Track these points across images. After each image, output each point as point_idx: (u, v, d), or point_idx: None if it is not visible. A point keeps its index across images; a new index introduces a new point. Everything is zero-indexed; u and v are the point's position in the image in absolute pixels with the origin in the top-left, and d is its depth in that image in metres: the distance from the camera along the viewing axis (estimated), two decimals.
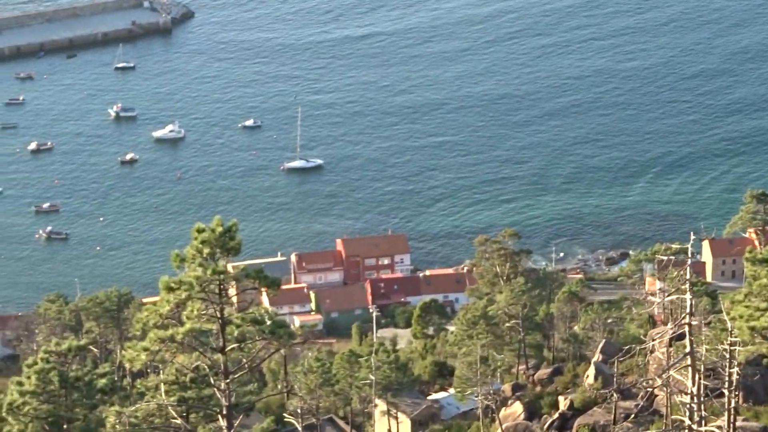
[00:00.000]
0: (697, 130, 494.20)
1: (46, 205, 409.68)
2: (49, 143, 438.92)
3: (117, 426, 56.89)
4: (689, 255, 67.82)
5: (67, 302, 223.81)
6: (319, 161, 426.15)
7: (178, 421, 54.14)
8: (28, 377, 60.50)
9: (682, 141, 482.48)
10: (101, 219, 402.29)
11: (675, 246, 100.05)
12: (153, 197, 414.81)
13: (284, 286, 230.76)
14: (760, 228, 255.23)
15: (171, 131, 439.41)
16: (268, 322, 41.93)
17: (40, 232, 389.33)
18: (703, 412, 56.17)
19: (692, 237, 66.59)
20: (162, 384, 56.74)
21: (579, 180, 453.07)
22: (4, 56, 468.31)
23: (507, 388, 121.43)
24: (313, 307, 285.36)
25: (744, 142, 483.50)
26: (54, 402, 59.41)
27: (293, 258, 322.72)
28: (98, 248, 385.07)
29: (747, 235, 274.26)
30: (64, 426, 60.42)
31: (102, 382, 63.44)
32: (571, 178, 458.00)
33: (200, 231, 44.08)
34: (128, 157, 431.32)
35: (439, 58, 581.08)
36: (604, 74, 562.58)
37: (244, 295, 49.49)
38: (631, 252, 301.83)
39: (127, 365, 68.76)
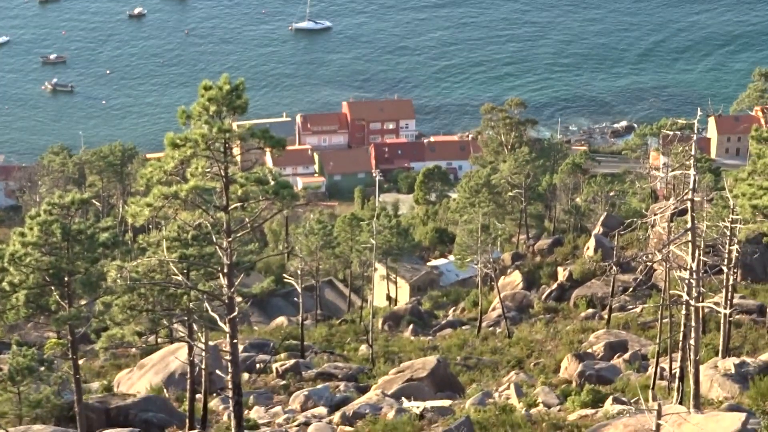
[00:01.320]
0: (714, 14, 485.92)
1: (52, 56, 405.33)
2: None
3: (118, 280, 57.09)
4: (694, 131, 67.56)
5: (71, 155, 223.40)
6: (328, 23, 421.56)
7: (179, 277, 54.48)
8: (31, 228, 60.62)
9: (698, 24, 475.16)
10: (108, 72, 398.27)
11: (681, 121, 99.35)
12: (161, 53, 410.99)
13: (288, 147, 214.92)
14: (767, 106, 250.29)
15: None
16: (272, 183, 41.88)
17: (46, 83, 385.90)
18: (702, 288, 56.30)
19: (698, 113, 66.13)
20: (164, 240, 56.85)
21: (590, 58, 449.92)
22: None
23: (507, 257, 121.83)
24: (317, 169, 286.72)
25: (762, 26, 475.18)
26: (56, 254, 59.57)
27: (298, 119, 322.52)
28: (104, 102, 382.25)
29: (753, 113, 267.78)
30: (65, 278, 60.64)
31: (104, 236, 63.66)
32: (582, 57, 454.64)
33: (207, 88, 43.94)
34: (136, 11, 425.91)
35: None
36: None
37: (248, 155, 49.47)
38: (636, 126, 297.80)
39: (130, 220, 68.79)
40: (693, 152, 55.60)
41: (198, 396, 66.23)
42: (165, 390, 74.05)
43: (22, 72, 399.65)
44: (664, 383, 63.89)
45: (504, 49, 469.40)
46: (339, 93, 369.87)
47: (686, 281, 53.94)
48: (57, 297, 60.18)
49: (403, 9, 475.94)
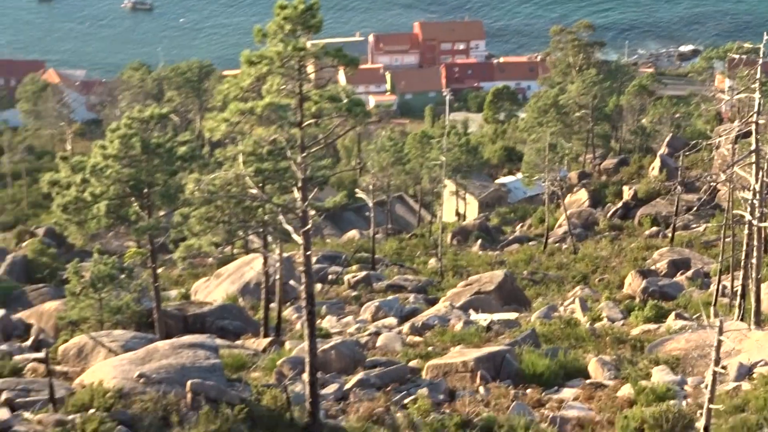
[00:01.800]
0: None
1: None
2: None
3: (196, 192, 57.20)
4: (761, 55, 66.88)
5: (149, 71, 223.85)
6: None
7: (255, 190, 54.44)
8: (111, 141, 60.93)
9: None
10: None
11: (746, 45, 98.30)
12: None
13: (361, 66, 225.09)
14: None
15: None
16: (345, 100, 41.86)
17: (126, 1, 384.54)
18: (765, 209, 55.97)
19: (765, 37, 65.56)
20: (240, 155, 56.68)
21: None
22: None
23: (573, 175, 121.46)
24: (389, 88, 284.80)
25: None
26: (135, 166, 59.86)
27: (371, 39, 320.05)
28: (181, 20, 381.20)
29: None
30: (145, 190, 60.96)
31: (182, 149, 63.86)
32: None
33: (283, 7, 43.97)
34: None
35: None
36: None
37: (322, 73, 49.34)
38: (702, 49, 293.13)
39: (207, 135, 68.84)
40: (758, 76, 55.22)
41: (272, 305, 66.66)
42: (240, 299, 74.59)
43: None
44: (726, 301, 63.72)
45: None
46: (410, 14, 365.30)
47: (749, 201, 53.67)
48: (137, 208, 60.68)
49: None
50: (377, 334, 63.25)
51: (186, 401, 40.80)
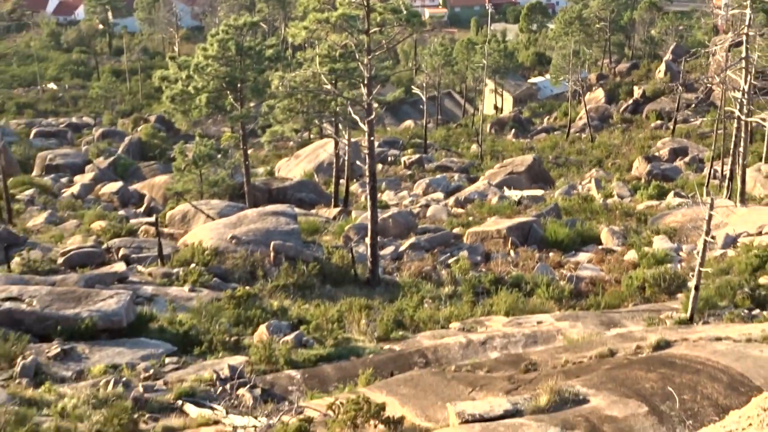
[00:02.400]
0: None
1: None
2: None
3: (280, 87, 58.13)
4: None
5: None
6: None
7: (329, 86, 55.01)
8: (211, 44, 61.55)
9: None
10: None
11: None
12: None
13: None
14: None
15: None
16: (404, 12, 42.02)
17: None
18: (751, 106, 55.92)
19: None
20: (317, 56, 57.58)
21: None
22: None
23: (592, 77, 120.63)
24: (440, 2, 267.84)
25: None
26: (231, 65, 60.61)
27: None
28: None
29: None
30: (238, 85, 61.81)
31: (269, 51, 64.70)
32: None
33: None
34: None
35: None
36: None
37: None
38: None
39: (290, 40, 69.59)
40: None
41: (341, 181, 67.07)
42: (315, 175, 74.79)
43: None
44: (716, 182, 63.53)
45: None
46: None
47: (738, 100, 53.63)
48: (231, 100, 61.55)
49: None
50: (427, 206, 63.80)
51: (269, 259, 41.36)
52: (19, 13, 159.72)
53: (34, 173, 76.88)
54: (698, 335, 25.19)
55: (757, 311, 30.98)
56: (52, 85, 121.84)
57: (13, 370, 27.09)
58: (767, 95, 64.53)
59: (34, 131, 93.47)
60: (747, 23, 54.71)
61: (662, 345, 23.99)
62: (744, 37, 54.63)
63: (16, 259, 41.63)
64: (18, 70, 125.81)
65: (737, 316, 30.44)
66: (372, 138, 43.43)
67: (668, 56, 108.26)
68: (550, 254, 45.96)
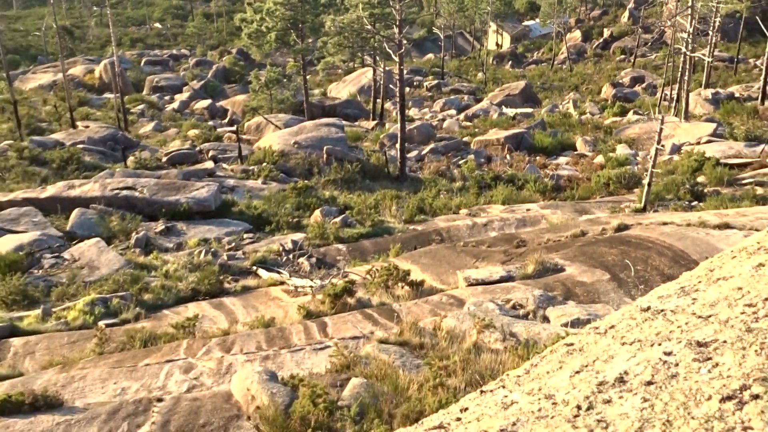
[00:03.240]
0: None
1: None
2: None
3: (331, 27, 58.58)
4: None
5: None
6: None
7: (369, 27, 54.84)
8: None
9: None
10: None
11: None
12: None
13: None
14: None
15: None
16: None
17: None
18: (694, 45, 55.37)
19: None
20: (360, 3, 57.67)
21: None
22: None
23: (572, 21, 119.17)
24: None
25: None
26: (294, 10, 60.70)
27: None
28: None
29: None
30: (299, 25, 61.93)
31: None
32: None
33: None
34: None
35: None
36: None
37: None
38: None
39: None
40: None
41: (378, 100, 66.81)
42: (358, 96, 74.46)
43: None
44: (666, 103, 62.98)
45: None
46: None
47: (685, 39, 53.14)
48: (294, 36, 61.59)
49: None
50: (443, 120, 63.68)
51: (323, 159, 41.46)
52: None
53: (144, 92, 77.05)
54: (649, 221, 25.12)
55: (695, 203, 31.01)
56: (157, 25, 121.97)
57: (129, 242, 27.66)
58: (707, 35, 63.97)
59: (144, 60, 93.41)
60: None
61: (622, 228, 23.98)
62: None
63: (131, 158, 42.26)
64: (131, 12, 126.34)
65: (680, 206, 30.42)
66: (401, 67, 43.23)
67: (631, 5, 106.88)
68: (537, 158, 46.05)
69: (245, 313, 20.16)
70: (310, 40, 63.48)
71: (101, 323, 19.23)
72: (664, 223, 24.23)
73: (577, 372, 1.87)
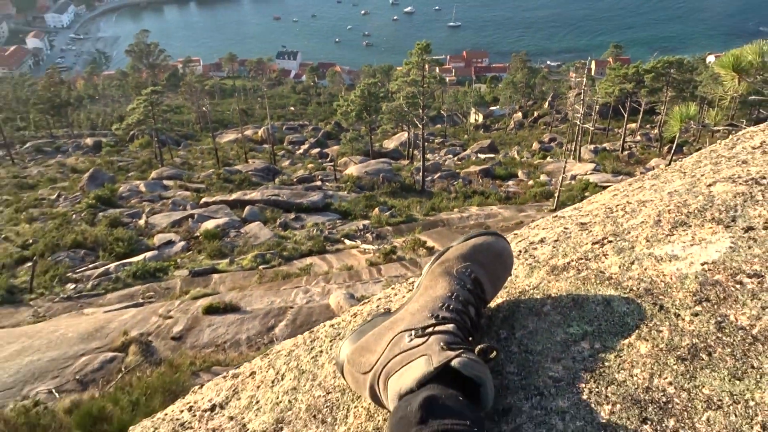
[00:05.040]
0: None
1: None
2: None
3: (385, 109, 57.49)
4: (587, 61, 64.14)
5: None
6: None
7: (405, 109, 53.85)
8: (359, 90, 60.94)
9: None
10: None
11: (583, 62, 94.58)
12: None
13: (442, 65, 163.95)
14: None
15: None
16: (439, 79, 41.44)
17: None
18: (582, 120, 54.48)
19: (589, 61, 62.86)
20: (401, 96, 56.54)
21: None
22: None
23: (517, 107, 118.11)
24: (453, 73, 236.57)
25: None
26: (365, 99, 59.63)
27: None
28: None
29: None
30: (368, 108, 60.77)
31: (381, 93, 63.99)
32: None
33: (419, 45, 42.61)
34: None
35: None
36: None
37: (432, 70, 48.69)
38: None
39: (391, 88, 68.49)
40: (585, 71, 53.45)
41: (410, 149, 66.00)
42: (399, 146, 74.07)
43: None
44: (568, 152, 62.07)
45: None
46: None
47: (578, 117, 52.45)
48: (365, 114, 60.42)
49: None
50: (446, 160, 62.59)
51: (379, 180, 41.27)
52: (277, 78, 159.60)
53: (284, 144, 77.41)
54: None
55: None
56: (291, 107, 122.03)
57: (276, 224, 27.69)
58: (590, 115, 63.08)
59: (284, 126, 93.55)
60: (582, 84, 53.23)
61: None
62: (582, 90, 53.18)
63: (277, 179, 42.24)
64: (278, 101, 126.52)
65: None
66: (423, 131, 43.15)
67: (549, 98, 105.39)
68: (497, 181, 45.56)
69: (337, 263, 20.32)
70: (373, 116, 62.71)
71: (260, 267, 19.46)
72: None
73: (519, 241, 2.17)
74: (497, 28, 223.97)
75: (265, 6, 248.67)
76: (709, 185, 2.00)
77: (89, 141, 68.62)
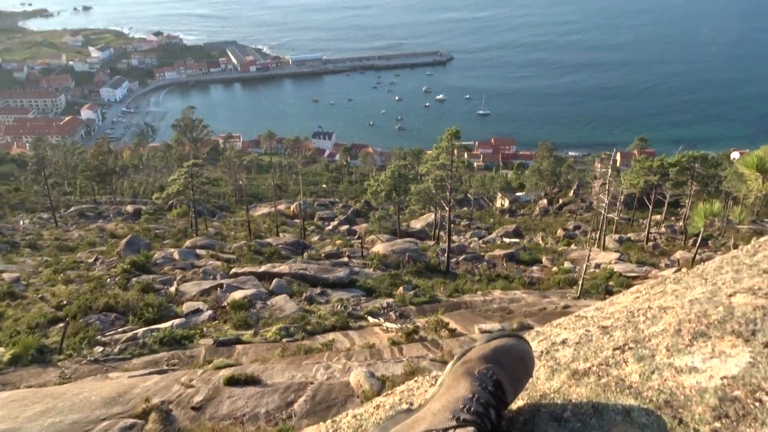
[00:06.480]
0: None
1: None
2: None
3: (413, 191, 57.96)
4: (613, 152, 64.43)
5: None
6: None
7: (433, 191, 54.27)
8: (390, 171, 61.87)
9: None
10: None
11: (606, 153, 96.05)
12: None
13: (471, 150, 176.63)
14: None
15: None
16: (466, 163, 41.97)
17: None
18: (609, 210, 54.31)
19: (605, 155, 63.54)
20: (430, 179, 57.10)
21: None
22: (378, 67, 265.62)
23: (542, 194, 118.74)
24: (481, 158, 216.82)
25: None
26: (395, 180, 60.35)
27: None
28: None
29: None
30: (397, 188, 61.27)
31: (410, 175, 64.86)
32: None
33: (449, 131, 43.66)
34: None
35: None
36: None
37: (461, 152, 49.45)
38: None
39: (420, 170, 69.29)
40: (610, 162, 53.85)
41: (436, 230, 66.02)
42: (426, 227, 74.42)
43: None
44: (592, 240, 61.57)
45: None
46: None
47: (604, 206, 52.28)
48: (394, 194, 60.98)
49: None
50: (471, 243, 62.24)
51: (405, 259, 41.22)
52: (312, 156, 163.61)
53: (314, 219, 78.22)
54: (582, 303, 24.41)
55: (609, 296, 30.04)
56: (323, 185, 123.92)
57: (301, 297, 27.62)
58: (615, 204, 62.97)
59: (315, 203, 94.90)
60: (608, 175, 53.46)
61: (566, 306, 23.33)
62: (607, 180, 53.32)
63: (306, 254, 42.56)
64: (311, 177, 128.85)
65: (598, 297, 29.50)
66: (450, 213, 43.32)
67: (575, 186, 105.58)
68: (521, 266, 45.13)
69: (359, 340, 20.08)
70: (402, 196, 63.23)
71: (284, 340, 19.32)
72: (588, 306, 23.55)
73: (541, 340, 2.09)
74: (525, 119, 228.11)
75: (306, 88, 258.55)
76: (730, 296, 2.00)
77: (130, 208, 70.51)
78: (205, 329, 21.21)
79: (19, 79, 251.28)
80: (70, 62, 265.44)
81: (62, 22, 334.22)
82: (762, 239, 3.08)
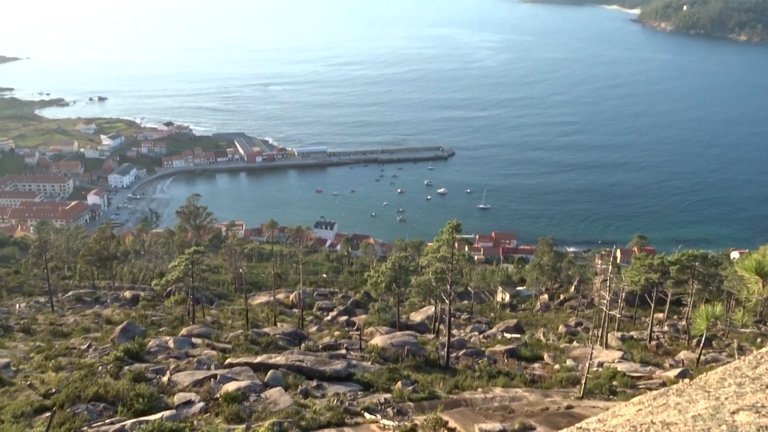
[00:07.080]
0: None
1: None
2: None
3: (413, 283, 57.52)
4: (613, 249, 64.72)
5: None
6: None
7: (434, 284, 53.77)
8: (390, 263, 61.81)
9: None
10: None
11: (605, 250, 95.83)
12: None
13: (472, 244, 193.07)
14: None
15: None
16: (466, 256, 42.00)
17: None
18: (609, 305, 53.75)
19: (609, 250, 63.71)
20: (430, 271, 56.66)
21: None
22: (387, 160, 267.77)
23: (543, 289, 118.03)
24: (482, 251, 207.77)
25: None
26: (395, 272, 60.06)
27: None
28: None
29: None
30: (397, 280, 60.82)
31: (411, 267, 64.60)
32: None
33: (451, 224, 44.11)
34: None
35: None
36: None
37: (460, 245, 49.43)
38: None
39: (421, 263, 69.13)
40: (611, 259, 53.87)
41: (436, 323, 65.01)
42: (426, 319, 73.48)
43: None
44: (595, 337, 60.63)
45: None
46: None
47: (605, 303, 51.80)
48: (394, 285, 60.57)
49: None
50: (471, 337, 61.37)
51: (404, 353, 40.39)
52: (313, 246, 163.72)
53: (313, 310, 77.42)
54: (585, 404, 23.70)
55: (611, 396, 29.23)
56: (324, 275, 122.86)
57: (297, 390, 26.93)
58: (617, 302, 62.39)
59: (315, 292, 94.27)
60: (608, 272, 53.44)
61: (569, 407, 22.66)
62: (608, 277, 53.23)
63: (303, 345, 41.79)
64: (313, 278, 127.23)
65: (604, 396, 28.70)
66: (450, 306, 42.92)
67: (576, 282, 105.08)
68: (522, 362, 44.10)
69: None
70: (402, 288, 62.49)
71: None
72: (594, 407, 22.85)
73: None
74: (525, 213, 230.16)
75: (310, 179, 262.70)
76: (733, 413, 1.97)
77: (128, 294, 70.01)
78: (195, 422, 20.49)
79: (30, 164, 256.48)
80: (81, 149, 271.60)
81: (77, 111, 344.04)
82: (764, 350, 3.06)
